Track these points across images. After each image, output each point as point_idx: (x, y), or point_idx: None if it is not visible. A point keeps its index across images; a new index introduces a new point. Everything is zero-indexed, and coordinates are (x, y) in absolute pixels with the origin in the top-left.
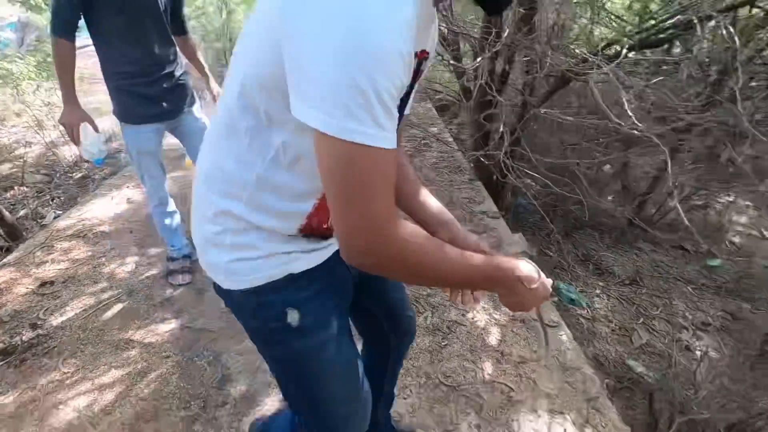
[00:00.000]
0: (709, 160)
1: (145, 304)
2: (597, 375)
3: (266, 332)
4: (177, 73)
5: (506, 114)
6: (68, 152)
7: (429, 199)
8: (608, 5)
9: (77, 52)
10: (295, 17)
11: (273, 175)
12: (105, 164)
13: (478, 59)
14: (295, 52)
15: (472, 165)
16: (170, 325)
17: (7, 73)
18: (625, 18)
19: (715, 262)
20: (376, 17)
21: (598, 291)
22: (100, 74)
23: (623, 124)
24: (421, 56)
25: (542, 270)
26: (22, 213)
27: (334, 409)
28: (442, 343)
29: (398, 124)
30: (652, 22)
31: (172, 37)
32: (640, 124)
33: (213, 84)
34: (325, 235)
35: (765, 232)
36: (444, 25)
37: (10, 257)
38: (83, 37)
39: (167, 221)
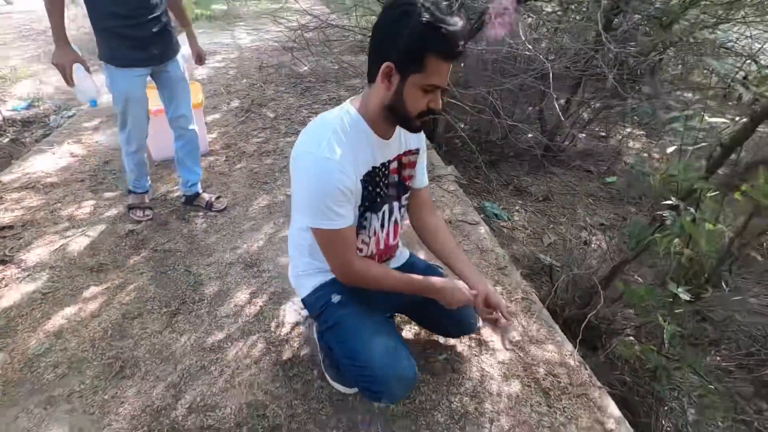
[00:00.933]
0: (611, 97)
1: (110, 237)
2: (506, 252)
3: (321, 314)
4: (164, 19)
5: None
6: None
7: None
8: None
9: None
10: (294, 172)
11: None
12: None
13: None
14: (295, 188)
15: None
16: (139, 250)
17: None
18: None
19: (611, 179)
20: (324, 183)
21: (517, 207)
22: None
23: (532, 51)
24: (400, 158)
25: (472, 199)
26: None
27: (367, 352)
28: None
29: (400, 195)
30: None
31: None
32: (546, 60)
33: (195, 41)
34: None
35: (652, 154)
36: None
37: None
38: None
39: (140, 165)
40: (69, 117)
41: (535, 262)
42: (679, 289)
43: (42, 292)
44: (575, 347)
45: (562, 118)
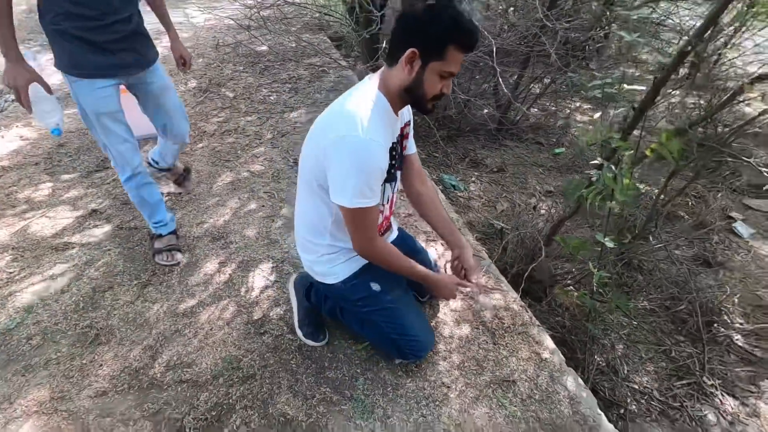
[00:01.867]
0: (559, 72)
1: (73, 217)
2: (460, 218)
3: (362, 299)
4: (135, 20)
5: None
6: None
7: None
8: None
9: None
10: (333, 154)
11: (334, 225)
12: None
13: None
14: (337, 170)
15: None
16: (104, 228)
17: None
18: None
19: (559, 150)
20: (367, 166)
21: (473, 179)
22: None
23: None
24: (402, 130)
25: (431, 172)
26: None
27: (414, 326)
28: None
29: (402, 164)
30: None
31: None
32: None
33: (177, 42)
34: None
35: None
36: None
37: None
38: None
39: (146, 194)
40: (13, 100)
41: (488, 228)
42: (606, 239)
43: (7, 272)
44: (518, 294)
45: (508, 94)
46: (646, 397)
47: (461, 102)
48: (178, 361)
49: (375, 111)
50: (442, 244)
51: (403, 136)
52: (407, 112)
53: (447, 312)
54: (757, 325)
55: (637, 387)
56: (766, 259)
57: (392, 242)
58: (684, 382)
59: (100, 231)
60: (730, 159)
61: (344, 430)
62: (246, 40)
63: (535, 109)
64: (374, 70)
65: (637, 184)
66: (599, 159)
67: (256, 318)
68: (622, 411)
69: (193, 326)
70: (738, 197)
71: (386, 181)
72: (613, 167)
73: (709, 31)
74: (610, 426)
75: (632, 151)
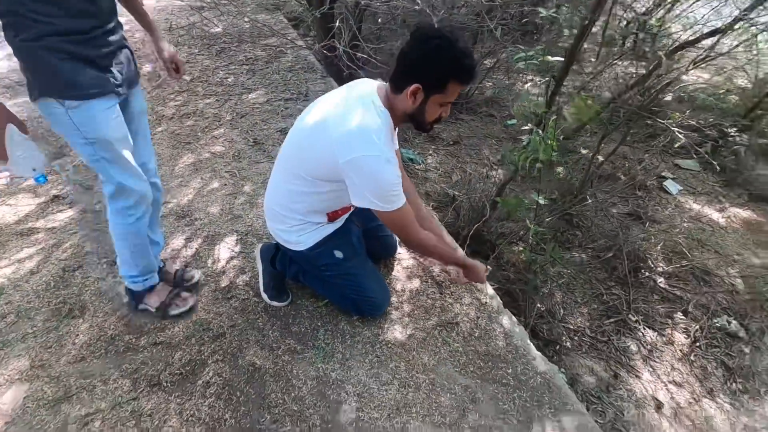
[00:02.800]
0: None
1: (34, 203)
2: (418, 188)
3: (325, 265)
4: (120, 31)
5: (344, 11)
6: None
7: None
8: None
9: None
10: (352, 171)
11: (313, 206)
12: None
13: None
14: (358, 184)
15: (322, 63)
16: (68, 213)
17: None
18: None
19: (511, 122)
20: (388, 174)
21: (430, 152)
22: None
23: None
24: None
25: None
26: None
27: (372, 288)
28: None
29: None
30: None
31: None
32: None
33: (164, 44)
34: (338, 218)
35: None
36: None
37: None
38: None
39: (144, 238)
40: None
41: (444, 197)
42: (540, 198)
43: None
44: (464, 250)
45: None
46: (578, 335)
47: None
48: (152, 327)
49: (386, 129)
50: None
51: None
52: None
53: (400, 270)
54: (675, 266)
55: (571, 327)
56: (690, 212)
57: (357, 211)
58: (612, 320)
59: (64, 216)
60: (649, 122)
61: (307, 373)
62: (199, 22)
63: (489, 83)
64: (329, 50)
65: (582, 150)
66: (530, 125)
67: (223, 285)
68: (557, 347)
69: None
70: (670, 158)
71: None
72: (540, 132)
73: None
74: (538, 353)
75: (554, 117)
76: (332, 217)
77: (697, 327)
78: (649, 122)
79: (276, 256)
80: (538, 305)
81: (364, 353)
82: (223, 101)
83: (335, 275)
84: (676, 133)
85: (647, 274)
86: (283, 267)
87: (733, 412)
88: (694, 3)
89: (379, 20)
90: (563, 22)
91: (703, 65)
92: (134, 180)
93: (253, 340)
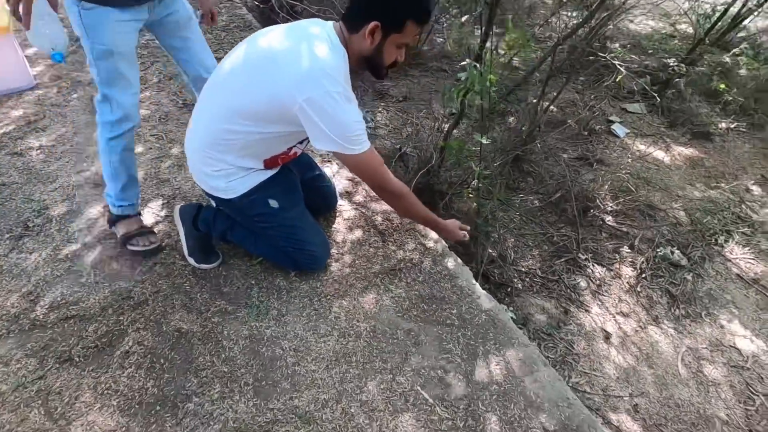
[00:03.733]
0: None
1: None
2: None
3: (259, 215)
4: None
5: None
6: None
7: None
8: None
9: None
10: (312, 110)
11: (250, 149)
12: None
13: None
14: (319, 124)
15: (258, 20)
16: None
17: None
18: None
19: (461, 75)
20: (352, 112)
21: (380, 109)
22: None
23: None
24: None
25: None
26: None
27: (311, 241)
28: None
29: None
30: None
31: None
32: None
33: None
34: (274, 166)
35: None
36: None
37: None
38: None
39: (129, 161)
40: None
41: (394, 152)
42: (483, 138)
43: None
44: None
45: None
46: (530, 276)
47: None
48: (63, 301)
49: (344, 69)
50: (337, 164)
51: None
52: None
53: (341, 221)
54: (621, 203)
55: (523, 269)
56: (636, 153)
57: (295, 159)
58: (562, 259)
59: None
60: (592, 57)
61: (239, 333)
62: None
63: (440, 39)
64: (263, 2)
65: (532, 99)
66: (467, 60)
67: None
68: (509, 290)
69: (76, 269)
70: (617, 103)
71: None
72: (477, 65)
73: None
74: (483, 292)
75: (491, 50)
76: (269, 163)
77: (643, 259)
78: (591, 58)
79: (198, 215)
80: (490, 250)
81: (302, 307)
82: (149, 63)
83: (270, 227)
84: (619, 67)
85: (595, 213)
86: (208, 227)
87: (676, 336)
88: None
89: None
90: None
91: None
92: (121, 96)
93: (180, 304)
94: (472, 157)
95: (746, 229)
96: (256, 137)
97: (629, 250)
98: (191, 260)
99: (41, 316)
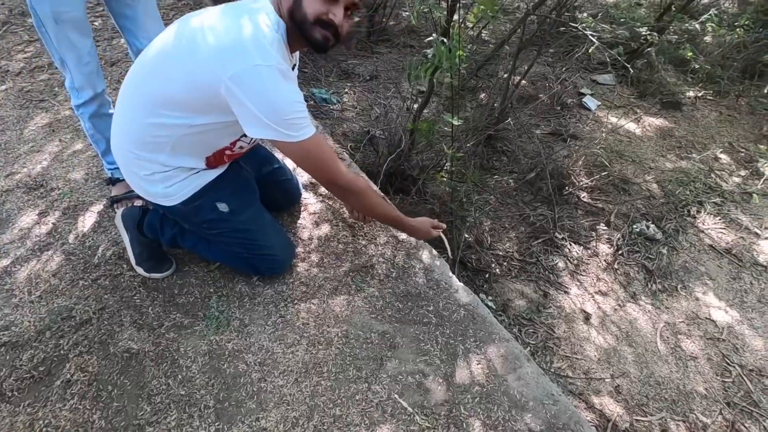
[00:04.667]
0: None
1: None
2: (340, 143)
3: (208, 222)
4: None
5: None
6: None
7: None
8: None
9: None
10: (238, 88)
11: (183, 146)
12: None
13: None
14: (249, 105)
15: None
16: None
17: None
18: None
19: (428, 52)
20: (284, 92)
21: (346, 90)
22: None
23: None
24: None
25: (301, 88)
26: None
27: (270, 245)
28: None
29: None
30: None
31: None
32: None
33: None
34: (219, 165)
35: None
36: None
37: None
38: None
39: (104, 126)
40: None
41: (363, 136)
42: (454, 119)
43: None
44: (377, 187)
45: None
46: (507, 260)
47: None
48: None
49: (279, 41)
50: None
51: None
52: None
53: (306, 216)
54: (596, 179)
55: (500, 253)
56: (608, 125)
57: (247, 154)
58: (539, 240)
59: None
60: (563, 29)
61: (197, 349)
62: None
63: (406, 13)
64: None
65: (502, 72)
66: (434, 36)
67: (88, 263)
68: (487, 276)
69: (8, 287)
70: (588, 75)
71: None
72: (445, 41)
73: None
74: (460, 284)
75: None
76: (213, 162)
77: (619, 236)
78: (561, 30)
79: (144, 220)
80: (466, 236)
81: (266, 315)
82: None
83: (222, 233)
84: (591, 38)
85: (571, 190)
86: (155, 233)
87: (654, 312)
88: None
89: None
90: None
91: None
92: (75, 66)
93: (129, 321)
94: (443, 138)
95: (717, 198)
96: (188, 131)
97: (605, 228)
98: (140, 270)
99: None
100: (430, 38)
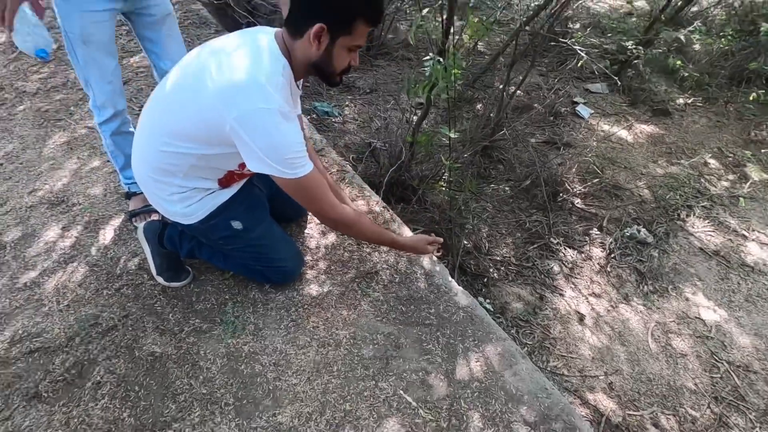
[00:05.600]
0: None
1: None
2: (343, 155)
3: (224, 238)
4: None
5: None
6: None
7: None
8: None
9: None
10: (242, 129)
11: (197, 170)
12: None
13: None
14: (251, 145)
15: (215, 17)
16: None
17: None
18: None
19: (426, 69)
20: (286, 130)
21: (347, 102)
22: None
23: None
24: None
25: (303, 102)
26: None
27: (281, 257)
28: None
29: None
30: None
31: None
32: None
33: None
34: (232, 184)
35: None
36: None
37: None
38: None
39: (124, 143)
40: None
41: (364, 148)
42: (451, 132)
43: None
44: (380, 197)
45: None
46: (505, 265)
47: None
48: (25, 334)
49: (281, 81)
50: None
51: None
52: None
53: (313, 227)
54: (589, 185)
55: (498, 258)
56: (601, 133)
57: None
58: (535, 245)
59: None
60: (554, 44)
61: (216, 352)
62: None
63: (404, 26)
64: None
65: (498, 83)
66: (431, 54)
67: (111, 273)
68: (486, 280)
69: (37, 297)
70: (581, 84)
71: None
72: (441, 59)
73: None
74: (459, 288)
75: (453, 44)
76: (225, 182)
77: (612, 239)
78: (553, 44)
79: (163, 233)
80: (464, 242)
81: (279, 319)
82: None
83: (237, 248)
84: (579, 51)
85: (565, 197)
86: (174, 245)
87: (645, 312)
88: None
89: None
90: None
91: None
92: (98, 84)
93: (151, 327)
94: (441, 149)
95: (706, 202)
96: (198, 159)
97: (598, 232)
98: (160, 279)
99: (2, 352)
100: (428, 57)
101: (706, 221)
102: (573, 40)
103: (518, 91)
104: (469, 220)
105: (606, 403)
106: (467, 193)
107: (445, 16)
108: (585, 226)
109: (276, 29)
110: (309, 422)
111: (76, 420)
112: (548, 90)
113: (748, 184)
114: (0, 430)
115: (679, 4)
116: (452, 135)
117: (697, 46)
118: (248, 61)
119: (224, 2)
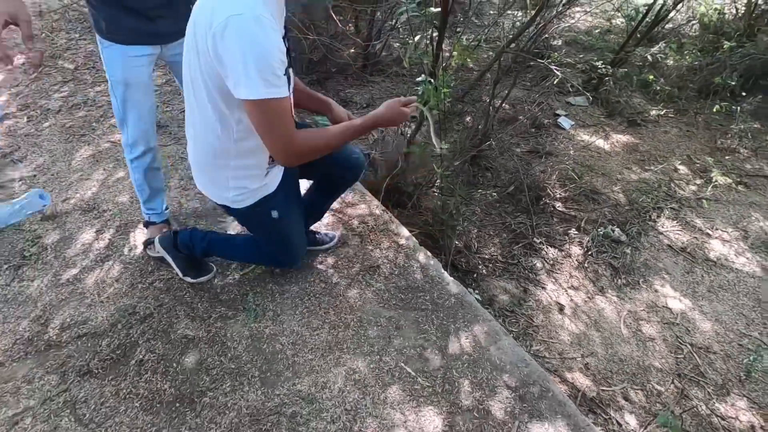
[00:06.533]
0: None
1: None
2: None
3: (261, 222)
4: None
5: None
6: None
7: (315, 94)
8: None
9: None
10: (222, 52)
11: (243, 143)
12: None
13: None
14: (231, 60)
15: None
16: None
17: None
18: None
19: (421, 79)
20: (265, 43)
21: None
22: None
23: None
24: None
25: (304, 117)
26: None
27: (294, 245)
28: None
29: (291, 82)
30: None
31: None
32: None
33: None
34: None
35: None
36: None
37: None
38: None
39: (151, 178)
40: None
41: (363, 158)
42: (443, 144)
43: None
44: (379, 201)
45: (342, 27)
46: (492, 262)
47: (324, 45)
48: (72, 321)
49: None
50: None
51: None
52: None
53: (321, 227)
54: (569, 191)
55: (486, 256)
56: (581, 143)
57: None
58: (520, 245)
59: None
60: (533, 63)
61: (241, 334)
62: (74, 3)
63: (397, 44)
64: None
65: (485, 98)
66: (423, 76)
67: (143, 270)
68: (475, 276)
69: (80, 291)
70: (563, 97)
71: (289, 65)
72: (432, 80)
73: None
74: (451, 278)
75: (444, 65)
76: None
77: (589, 239)
78: (533, 64)
79: (176, 240)
80: (456, 242)
81: (294, 307)
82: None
83: (264, 232)
84: (554, 71)
85: (547, 201)
86: (188, 248)
87: (619, 302)
88: None
89: None
90: None
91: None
92: (134, 123)
93: (183, 314)
94: (434, 158)
95: (675, 204)
96: (236, 127)
97: (577, 232)
98: (188, 279)
99: (54, 337)
100: (420, 78)
101: (675, 221)
102: (550, 60)
103: (504, 105)
104: (460, 222)
105: (582, 381)
106: (458, 198)
107: (434, 44)
108: (565, 227)
109: None
110: (324, 389)
111: (124, 391)
112: (532, 103)
113: (710, 187)
114: (60, 401)
115: (651, 22)
116: (444, 146)
117: (670, 62)
118: None
119: None
